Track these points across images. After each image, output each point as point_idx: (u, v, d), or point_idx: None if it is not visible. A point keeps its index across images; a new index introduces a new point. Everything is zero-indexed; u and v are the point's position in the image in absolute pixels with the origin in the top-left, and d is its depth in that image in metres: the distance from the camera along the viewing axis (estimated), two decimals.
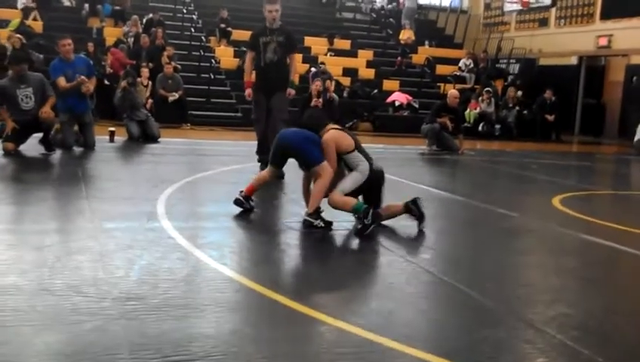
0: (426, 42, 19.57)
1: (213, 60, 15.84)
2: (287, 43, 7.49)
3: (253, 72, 7.60)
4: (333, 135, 5.11)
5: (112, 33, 16.15)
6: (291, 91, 7.58)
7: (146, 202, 5.51)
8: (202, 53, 15.71)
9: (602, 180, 10.36)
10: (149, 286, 3.41)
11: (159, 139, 10.29)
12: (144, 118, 10.42)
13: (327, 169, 4.97)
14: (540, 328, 3.11)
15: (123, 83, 10.50)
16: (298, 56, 16.90)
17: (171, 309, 3.08)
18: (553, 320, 3.25)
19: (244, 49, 9.10)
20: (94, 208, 5.21)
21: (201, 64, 15.37)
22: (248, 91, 7.55)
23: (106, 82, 13.06)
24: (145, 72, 13.21)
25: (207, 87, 14.76)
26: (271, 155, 5.34)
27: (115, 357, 2.52)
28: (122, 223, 4.80)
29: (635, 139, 13.46)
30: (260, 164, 7.63)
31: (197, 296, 3.35)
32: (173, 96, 13.15)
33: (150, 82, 13.24)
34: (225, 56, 16.40)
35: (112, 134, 9.80)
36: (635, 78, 16.20)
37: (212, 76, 15.13)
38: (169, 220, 4.86)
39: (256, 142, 7.86)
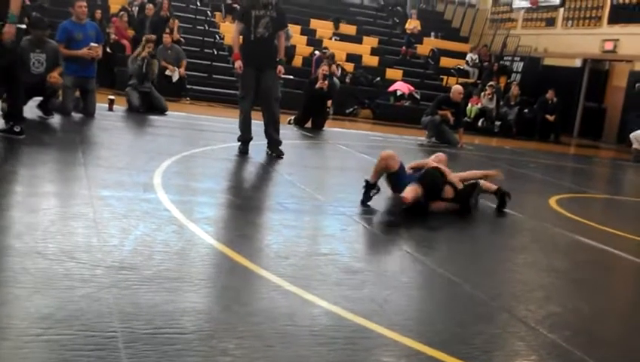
0: (432, 33, 19.48)
1: (217, 36, 15.72)
2: (279, 19, 7.25)
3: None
4: None
5: (116, 0, 15.98)
6: (281, 68, 7.29)
7: (142, 173, 5.47)
8: (207, 28, 15.59)
9: (599, 184, 10.36)
10: (143, 257, 3.38)
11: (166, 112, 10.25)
12: (148, 90, 10.35)
13: None
14: (533, 326, 3.10)
15: (144, 52, 10.36)
16: (302, 38, 16.92)
17: (164, 281, 3.06)
18: (546, 319, 3.24)
19: None
20: (90, 175, 5.16)
21: (205, 39, 15.26)
22: (238, 63, 7.12)
23: (109, 50, 12.95)
24: None
25: (209, 63, 14.66)
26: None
27: (106, 325, 2.49)
28: (118, 192, 4.77)
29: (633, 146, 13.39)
30: (240, 143, 7.29)
31: (191, 270, 3.32)
32: (173, 73, 12.88)
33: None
34: (229, 33, 16.04)
35: (111, 103, 9.72)
36: (637, 85, 16.17)
37: (215, 52, 15.02)
38: (165, 193, 4.82)
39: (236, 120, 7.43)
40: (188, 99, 13.22)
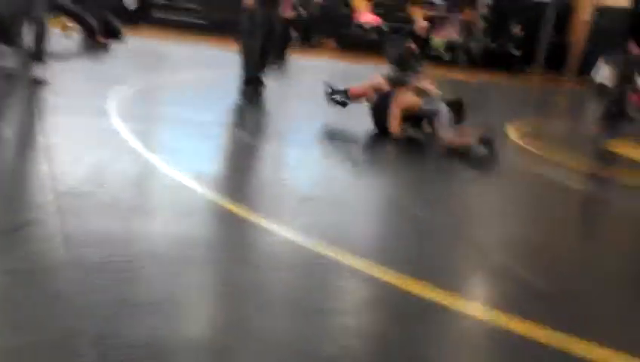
0: None
1: None
2: None
3: None
4: None
5: None
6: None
7: (98, 99, 5.30)
8: None
9: (556, 112, 10.46)
10: (96, 184, 3.29)
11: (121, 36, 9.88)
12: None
13: None
14: (486, 251, 3.13)
15: None
16: None
17: (118, 210, 2.99)
18: (499, 245, 3.28)
19: None
20: (42, 99, 4.98)
21: None
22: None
23: None
24: None
25: None
26: None
27: (51, 247, 2.42)
28: (72, 118, 4.61)
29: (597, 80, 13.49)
30: (246, 85, 6.89)
31: (147, 199, 3.26)
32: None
33: None
34: None
35: (64, 28, 9.35)
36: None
37: None
38: (122, 120, 4.69)
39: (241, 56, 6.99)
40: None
